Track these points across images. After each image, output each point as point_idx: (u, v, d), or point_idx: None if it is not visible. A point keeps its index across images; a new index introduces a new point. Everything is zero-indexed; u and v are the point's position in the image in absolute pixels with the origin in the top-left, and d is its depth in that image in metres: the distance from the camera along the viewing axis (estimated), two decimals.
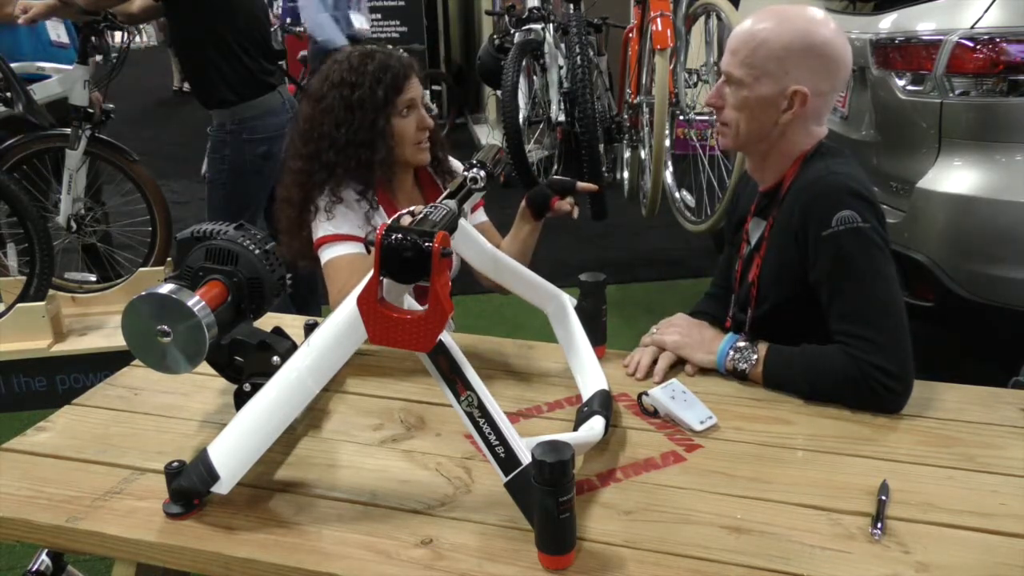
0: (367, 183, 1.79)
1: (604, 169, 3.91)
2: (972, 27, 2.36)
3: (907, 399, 1.35)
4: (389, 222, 1.07)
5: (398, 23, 6.71)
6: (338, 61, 1.82)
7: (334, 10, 4.90)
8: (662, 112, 3.20)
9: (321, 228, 1.78)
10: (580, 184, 1.78)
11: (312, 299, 3.12)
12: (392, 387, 1.50)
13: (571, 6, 3.86)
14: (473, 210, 1.96)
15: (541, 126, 4.19)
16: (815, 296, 1.44)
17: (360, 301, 1.07)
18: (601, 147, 3.82)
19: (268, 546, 1.07)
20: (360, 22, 5.01)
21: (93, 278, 3.05)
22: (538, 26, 4.02)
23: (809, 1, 3.68)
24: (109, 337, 2.46)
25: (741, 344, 1.47)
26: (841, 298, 1.39)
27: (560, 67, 3.95)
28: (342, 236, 1.76)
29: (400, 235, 1.03)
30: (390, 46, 1.88)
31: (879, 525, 1.07)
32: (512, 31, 4.22)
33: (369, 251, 1.07)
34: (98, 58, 2.89)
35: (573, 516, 1.01)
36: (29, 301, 2.45)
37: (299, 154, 1.82)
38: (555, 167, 4.44)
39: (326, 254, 1.77)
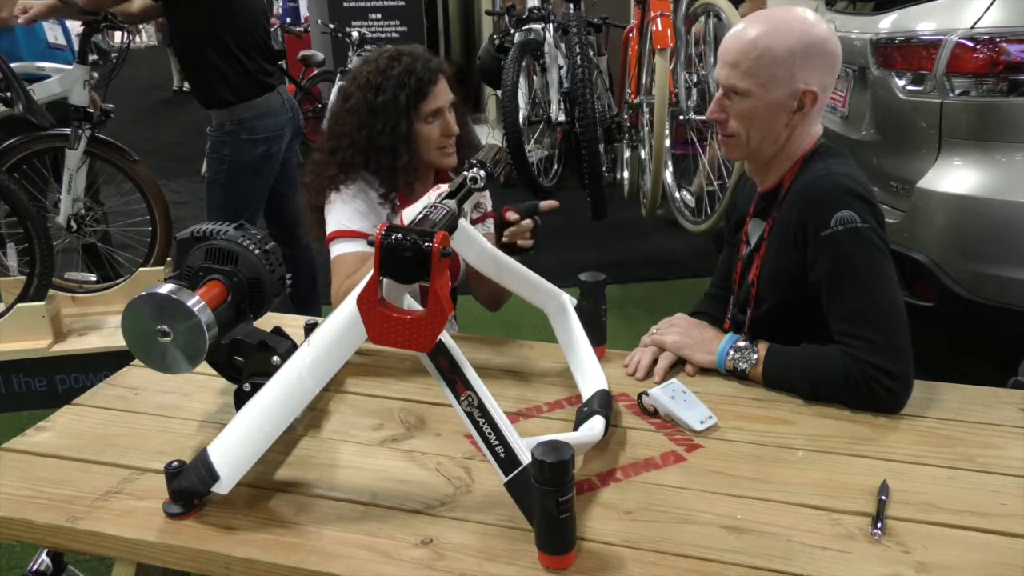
0: (390, 187, 1.79)
1: (604, 169, 3.91)
2: (972, 27, 2.36)
3: (907, 399, 1.35)
4: (389, 222, 1.07)
5: (398, 23, 6.69)
6: (368, 62, 1.82)
7: None
8: (662, 112, 3.20)
9: (333, 222, 1.79)
10: (544, 203, 1.76)
11: (312, 298, 3.12)
12: (392, 387, 1.50)
13: (571, 6, 3.86)
14: (483, 220, 1.96)
15: (541, 126, 4.19)
16: (814, 297, 1.44)
17: (360, 301, 1.07)
18: (601, 147, 3.82)
19: (268, 546, 1.07)
20: None
21: (93, 278, 3.04)
22: (538, 26, 4.02)
23: (806, 2, 3.70)
24: (109, 337, 2.46)
25: (741, 344, 1.47)
26: (840, 298, 1.39)
27: (560, 67, 3.95)
28: (353, 232, 1.76)
29: (400, 235, 1.03)
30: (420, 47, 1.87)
31: (879, 525, 1.07)
32: (512, 31, 4.22)
33: None
34: (96, 58, 2.89)
35: (573, 516, 1.01)
36: (29, 301, 2.45)
37: (320, 147, 1.85)
38: (555, 167, 4.44)
39: (335, 249, 1.77)
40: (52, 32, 3.23)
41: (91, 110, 2.80)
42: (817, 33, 1.43)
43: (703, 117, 3.45)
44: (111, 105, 2.93)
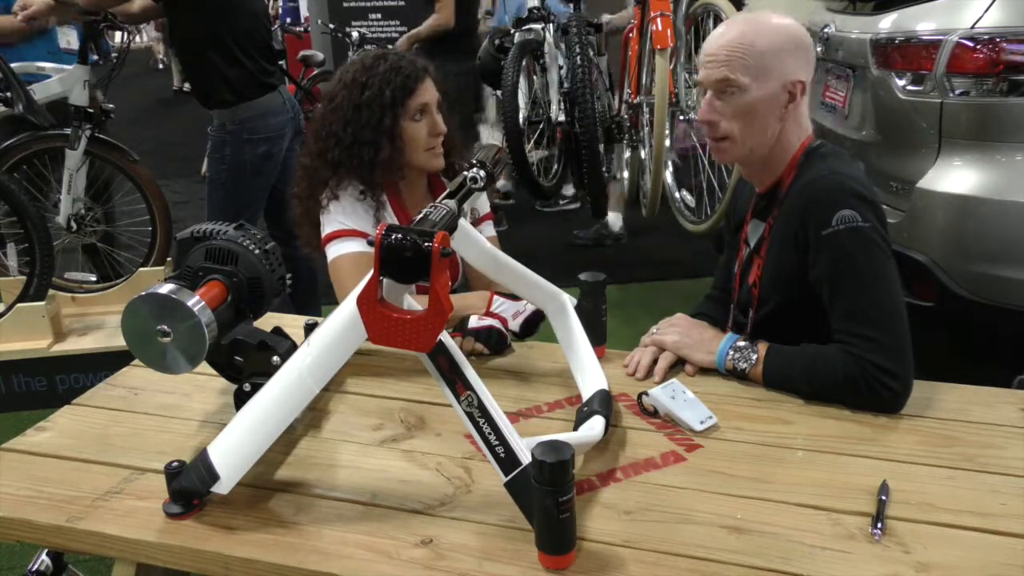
0: (369, 183, 1.78)
1: (604, 169, 3.90)
2: (972, 27, 2.36)
3: (907, 399, 1.35)
4: (388, 222, 1.07)
5: (398, 23, 6.68)
6: (352, 62, 1.82)
7: None
8: (662, 112, 3.20)
9: (329, 223, 1.78)
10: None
11: (312, 298, 3.12)
12: (392, 387, 1.50)
13: (571, 6, 3.86)
14: (481, 222, 1.96)
15: (541, 126, 4.18)
16: (816, 296, 1.44)
17: (360, 301, 1.07)
18: (601, 147, 3.81)
19: (268, 546, 1.07)
20: None
21: (93, 278, 3.04)
22: (538, 26, 4.02)
23: (805, 1, 3.69)
24: (109, 337, 2.45)
25: (741, 343, 1.47)
26: (841, 297, 1.39)
27: (560, 67, 3.94)
28: (349, 231, 1.75)
29: (400, 235, 1.03)
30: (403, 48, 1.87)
31: (879, 525, 1.07)
32: (512, 31, 4.21)
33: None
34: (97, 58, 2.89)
35: (573, 516, 1.01)
36: (29, 301, 2.45)
37: (308, 151, 1.84)
38: (555, 167, 4.43)
39: (332, 251, 1.77)
40: (65, 37, 3.23)
41: (91, 110, 2.80)
42: (793, 26, 1.48)
43: None
44: (111, 105, 2.93)
